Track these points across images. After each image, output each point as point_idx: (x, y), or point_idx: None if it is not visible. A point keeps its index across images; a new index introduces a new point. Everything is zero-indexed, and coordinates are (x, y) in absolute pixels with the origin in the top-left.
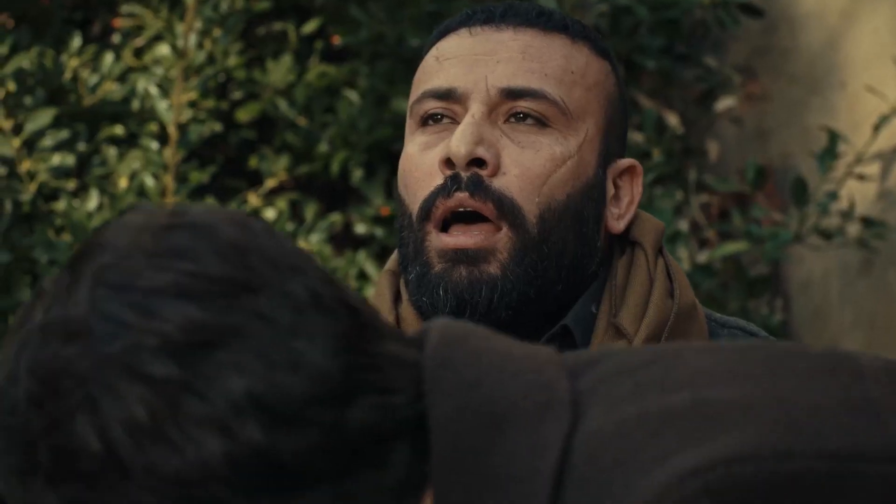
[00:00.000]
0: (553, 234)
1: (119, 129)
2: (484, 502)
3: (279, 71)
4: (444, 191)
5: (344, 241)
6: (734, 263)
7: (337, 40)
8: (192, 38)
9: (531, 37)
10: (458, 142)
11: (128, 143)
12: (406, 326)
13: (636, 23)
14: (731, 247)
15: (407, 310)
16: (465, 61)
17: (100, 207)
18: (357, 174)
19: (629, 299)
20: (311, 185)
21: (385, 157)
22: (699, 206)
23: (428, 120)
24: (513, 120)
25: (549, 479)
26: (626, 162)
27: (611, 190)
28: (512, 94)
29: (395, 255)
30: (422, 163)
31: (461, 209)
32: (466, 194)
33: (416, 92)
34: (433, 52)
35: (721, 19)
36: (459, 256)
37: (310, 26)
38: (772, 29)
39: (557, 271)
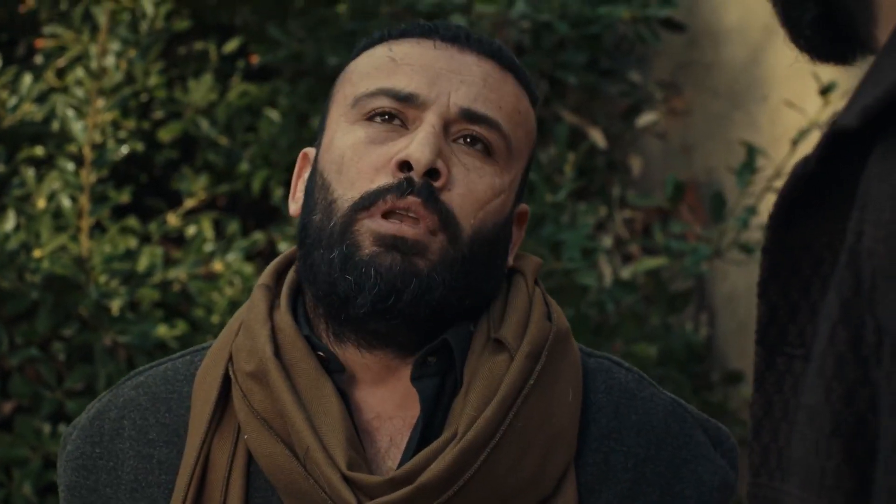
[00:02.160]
0: (477, 257)
1: (39, 150)
2: None
3: (200, 90)
4: (397, 190)
5: (269, 260)
6: (655, 279)
7: (255, 59)
8: (110, 59)
9: (490, 68)
10: (422, 149)
11: (48, 164)
12: (282, 336)
13: (559, 39)
14: (651, 262)
15: (283, 318)
16: (428, 71)
17: (17, 228)
18: (278, 193)
19: (510, 317)
20: (234, 204)
21: None
22: (623, 222)
23: (375, 116)
24: (461, 142)
25: None
26: (523, 207)
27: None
28: (471, 116)
29: (270, 268)
30: (367, 156)
31: (407, 213)
32: (419, 200)
33: (364, 84)
34: (384, 50)
35: (641, 35)
36: (396, 243)
37: (231, 45)
38: (694, 44)
39: (473, 291)
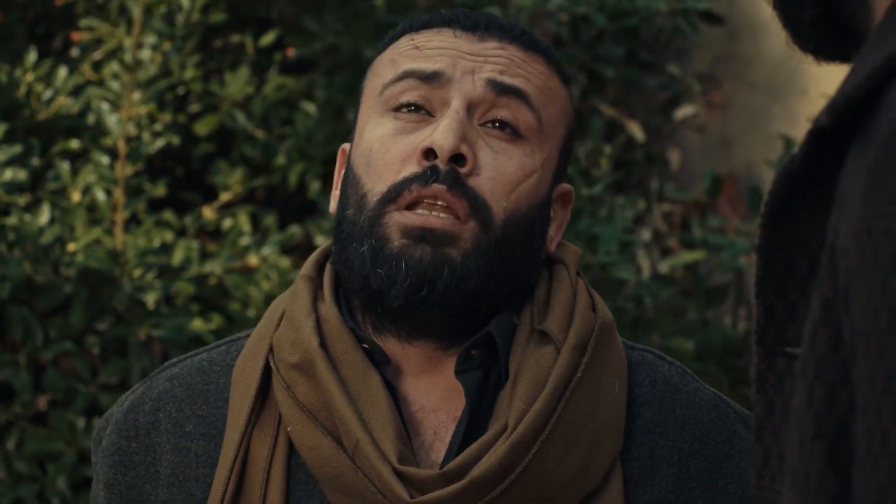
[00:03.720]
0: (512, 241)
1: (74, 144)
2: None
3: (237, 83)
4: (421, 179)
5: (307, 253)
6: (693, 273)
7: (292, 52)
8: (145, 52)
9: (514, 50)
10: (445, 135)
11: (82, 157)
12: (327, 327)
13: (598, 32)
14: (689, 256)
15: (328, 309)
16: (450, 55)
17: (51, 222)
18: (314, 186)
19: (555, 309)
20: (272, 197)
21: None
22: (661, 215)
23: (402, 107)
24: (489, 126)
25: None
26: (564, 187)
27: (552, 212)
28: (499, 87)
29: (311, 260)
30: (394, 147)
31: (436, 201)
32: (444, 187)
33: (390, 71)
34: (408, 41)
35: (680, 27)
36: (424, 235)
37: (267, 38)
38: (734, 36)
39: (509, 277)
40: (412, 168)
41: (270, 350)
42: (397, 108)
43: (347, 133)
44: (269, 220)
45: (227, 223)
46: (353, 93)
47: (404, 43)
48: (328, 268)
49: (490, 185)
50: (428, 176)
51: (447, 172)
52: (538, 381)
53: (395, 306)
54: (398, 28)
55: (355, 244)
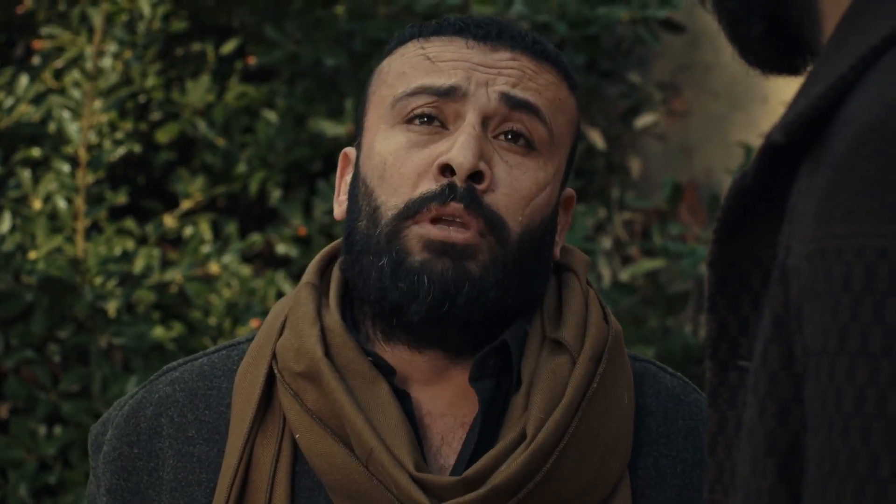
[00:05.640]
0: (528, 255)
1: (35, 152)
2: None
3: (198, 91)
4: (440, 198)
5: (269, 261)
6: (654, 281)
7: (253, 60)
8: (107, 60)
9: (526, 61)
10: (464, 153)
11: (44, 165)
12: (332, 336)
13: (559, 40)
14: (649, 264)
15: (333, 319)
16: (464, 67)
17: (13, 230)
18: (275, 194)
19: (568, 319)
20: (233, 205)
21: (302, 178)
22: (622, 223)
23: (415, 119)
24: (502, 138)
25: None
26: (567, 192)
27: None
28: (511, 101)
29: (314, 266)
30: (409, 161)
31: (454, 219)
32: (461, 206)
33: (403, 84)
34: (417, 50)
35: (641, 36)
36: (446, 249)
37: (228, 46)
38: (695, 45)
39: (525, 289)
40: (429, 184)
41: (274, 357)
42: (409, 120)
43: (308, 141)
44: (231, 227)
45: (188, 231)
46: (313, 101)
47: (414, 51)
48: (335, 274)
49: (506, 202)
50: (446, 195)
51: (465, 191)
52: (555, 391)
53: (416, 321)
54: (405, 32)
55: (372, 257)
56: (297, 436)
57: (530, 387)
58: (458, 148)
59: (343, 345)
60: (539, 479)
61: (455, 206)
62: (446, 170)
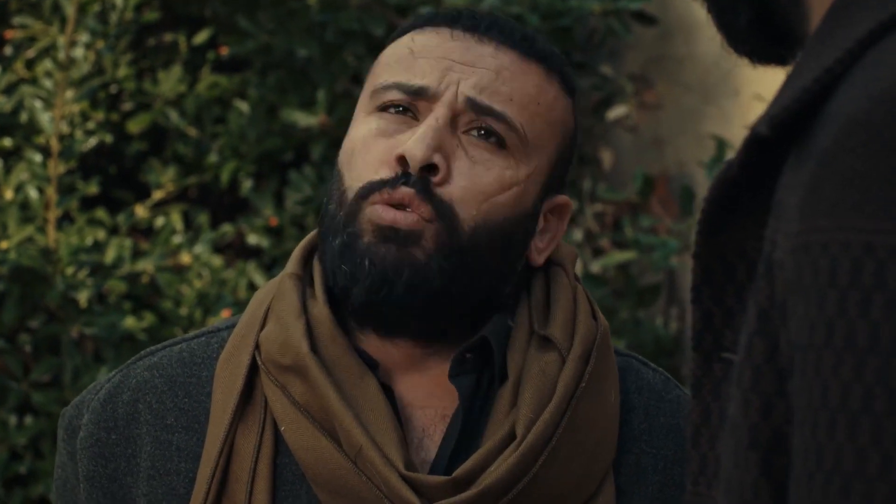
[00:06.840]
0: (480, 249)
1: (6, 142)
2: None
3: (169, 81)
4: (391, 183)
5: (240, 252)
6: (625, 273)
7: (225, 51)
8: (78, 50)
9: (510, 59)
10: (419, 146)
11: (15, 155)
12: (320, 329)
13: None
14: (621, 256)
15: (321, 310)
16: (441, 63)
17: None
18: (247, 185)
19: (557, 315)
20: (204, 196)
21: (274, 168)
22: (593, 215)
23: (389, 107)
24: (474, 133)
25: None
26: (560, 199)
27: (541, 223)
28: (476, 107)
29: (296, 256)
30: (374, 147)
31: (402, 205)
32: (412, 191)
33: (382, 76)
34: (407, 41)
35: (613, 28)
36: (390, 235)
37: (200, 37)
38: (667, 37)
39: (477, 284)
40: (387, 172)
41: (257, 347)
42: (384, 108)
43: (280, 132)
44: (202, 218)
45: (160, 221)
46: (285, 92)
47: (404, 43)
48: (317, 264)
49: (461, 193)
50: (398, 180)
51: (417, 179)
52: (545, 389)
53: (358, 304)
54: (407, 23)
55: (331, 237)
56: (282, 428)
57: (518, 383)
58: (414, 140)
59: (331, 339)
60: (528, 479)
61: (405, 191)
62: (402, 160)
